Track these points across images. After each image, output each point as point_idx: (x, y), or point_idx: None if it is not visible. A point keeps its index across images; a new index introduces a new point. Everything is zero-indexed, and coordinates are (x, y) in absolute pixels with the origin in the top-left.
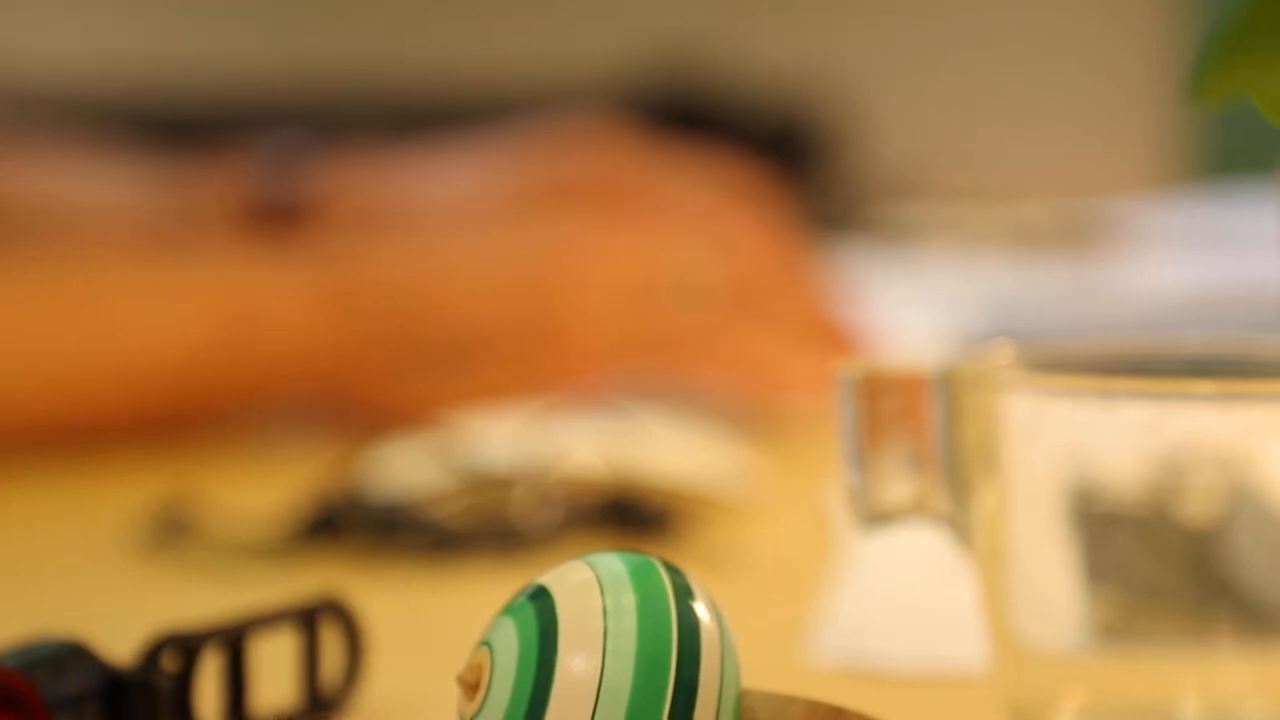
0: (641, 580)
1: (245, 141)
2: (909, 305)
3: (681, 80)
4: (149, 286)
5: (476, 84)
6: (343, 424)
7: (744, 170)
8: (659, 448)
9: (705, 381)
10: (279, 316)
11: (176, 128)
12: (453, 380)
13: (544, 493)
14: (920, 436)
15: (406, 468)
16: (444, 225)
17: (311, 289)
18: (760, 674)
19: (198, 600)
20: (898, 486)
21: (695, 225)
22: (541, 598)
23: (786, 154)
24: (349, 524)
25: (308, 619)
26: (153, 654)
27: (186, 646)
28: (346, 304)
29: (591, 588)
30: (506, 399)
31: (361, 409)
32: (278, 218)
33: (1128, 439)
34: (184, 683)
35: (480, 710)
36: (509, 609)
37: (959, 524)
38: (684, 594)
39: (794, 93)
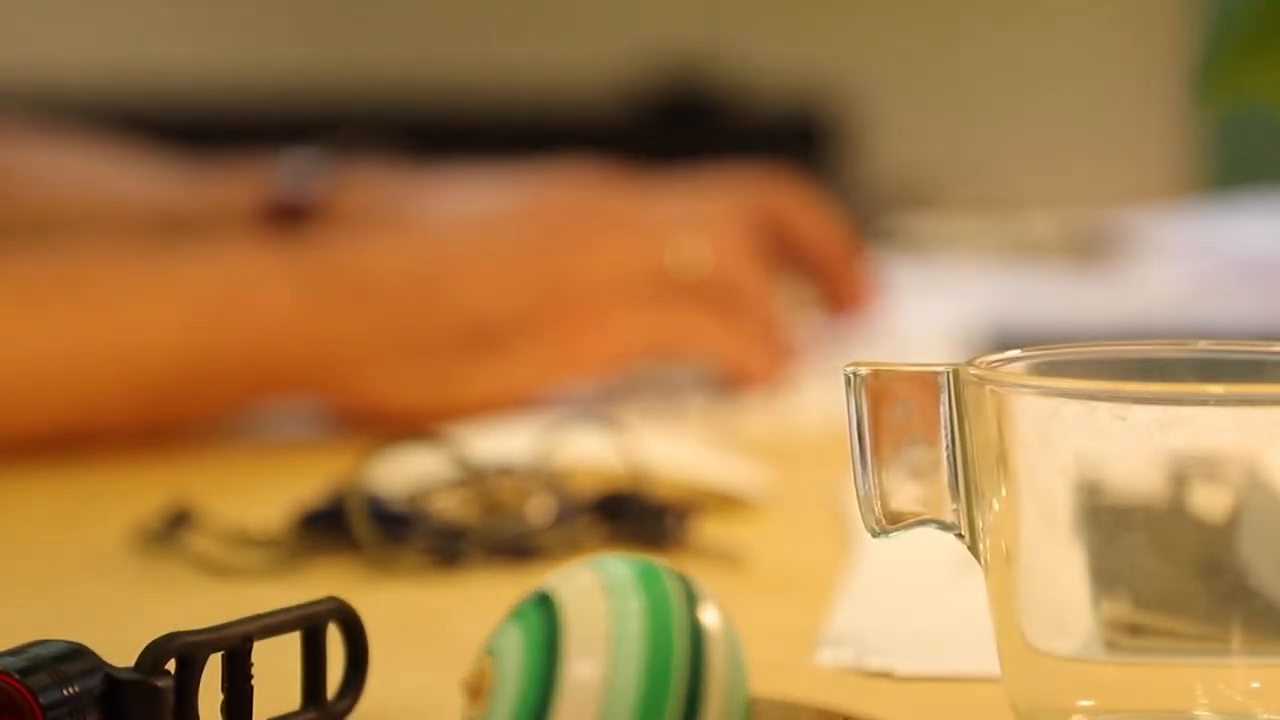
0: (648, 586)
1: (264, 156)
2: (917, 315)
3: (691, 90)
4: (145, 277)
5: (491, 89)
6: (348, 421)
7: (746, 185)
8: (668, 451)
9: (710, 359)
10: (281, 308)
11: (199, 137)
12: (480, 367)
13: (552, 489)
14: (929, 440)
15: (410, 464)
16: (447, 226)
17: (315, 279)
18: (770, 676)
19: (200, 603)
20: (907, 491)
21: (687, 223)
22: (547, 603)
23: (794, 163)
24: (352, 525)
25: (311, 623)
26: (154, 657)
27: (188, 650)
28: (351, 293)
29: (597, 593)
30: (535, 386)
31: (365, 405)
32: (290, 222)
33: (1138, 442)
34: (185, 687)
35: (486, 717)
36: (514, 614)
37: (968, 528)
38: (691, 600)
39: (802, 103)
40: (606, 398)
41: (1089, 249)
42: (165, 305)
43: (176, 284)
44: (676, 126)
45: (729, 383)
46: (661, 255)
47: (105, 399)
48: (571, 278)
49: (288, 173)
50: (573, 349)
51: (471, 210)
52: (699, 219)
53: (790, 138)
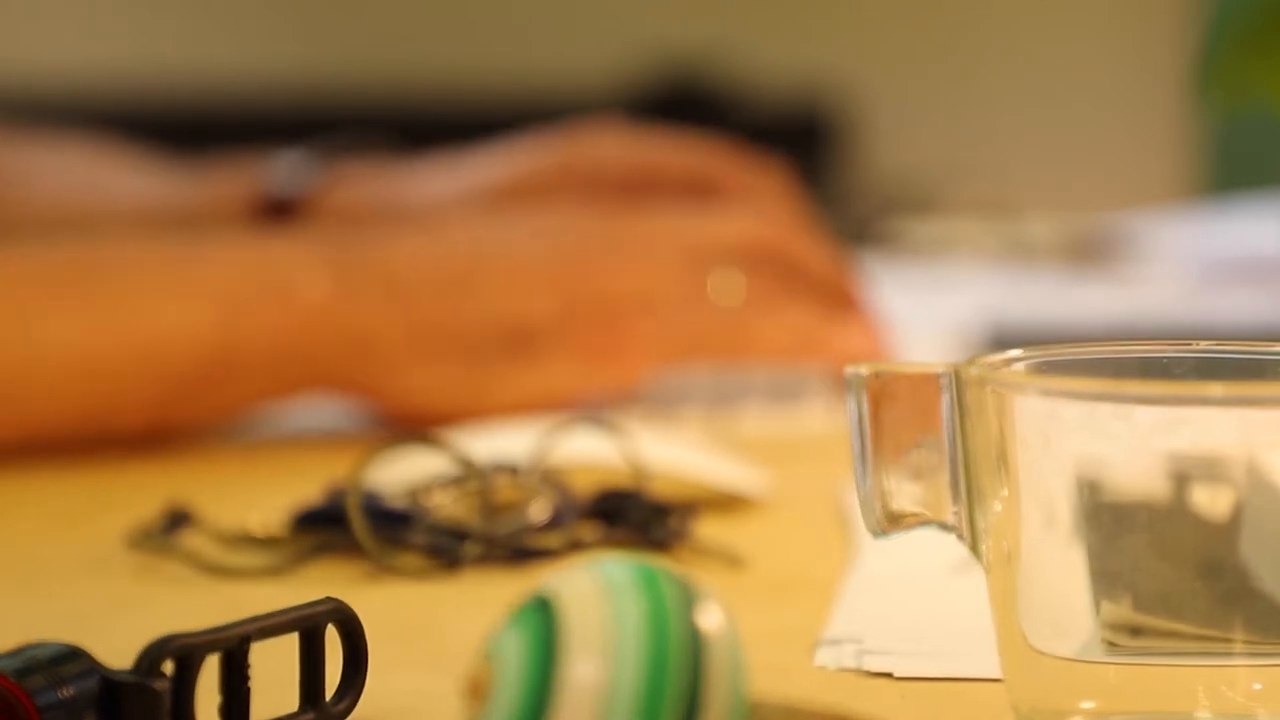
0: (648, 588)
1: (260, 154)
2: (916, 319)
3: (691, 91)
4: (168, 266)
5: (492, 89)
6: (378, 420)
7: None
8: (668, 451)
9: (757, 363)
10: (315, 299)
11: (192, 137)
12: (515, 371)
13: (552, 489)
14: (930, 441)
15: (410, 464)
16: (454, 215)
17: (348, 272)
18: (770, 677)
19: (198, 604)
20: (908, 492)
21: (709, 207)
22: (547, 605)
23: (794, 165)
24: (351, 525)
25: (309, 624)
26: (151, 659)
27: (185, 651)
28: (385, 289)
29: (597, 596)
30: (570, 392)
31: (397, 406)
32: (280, 217)
33: (1139, 443)
34: (182, 688)
35: (484, 719)
36: (513, 616)
37: (969, 529)
38: (691, 603)
39: (802, 105)
40: (615, 403)
41: (1088, 252)
42: (194, 297)
43: (206, 275)
44: (676, 128)
45: (829, 371)
46: (696, 265)
47: (128, 390)
48: (607, 286)
49: (279, 169)
50: (605, 358)
51: (473, 185)
52: (735, 227)
53: (790, 139)
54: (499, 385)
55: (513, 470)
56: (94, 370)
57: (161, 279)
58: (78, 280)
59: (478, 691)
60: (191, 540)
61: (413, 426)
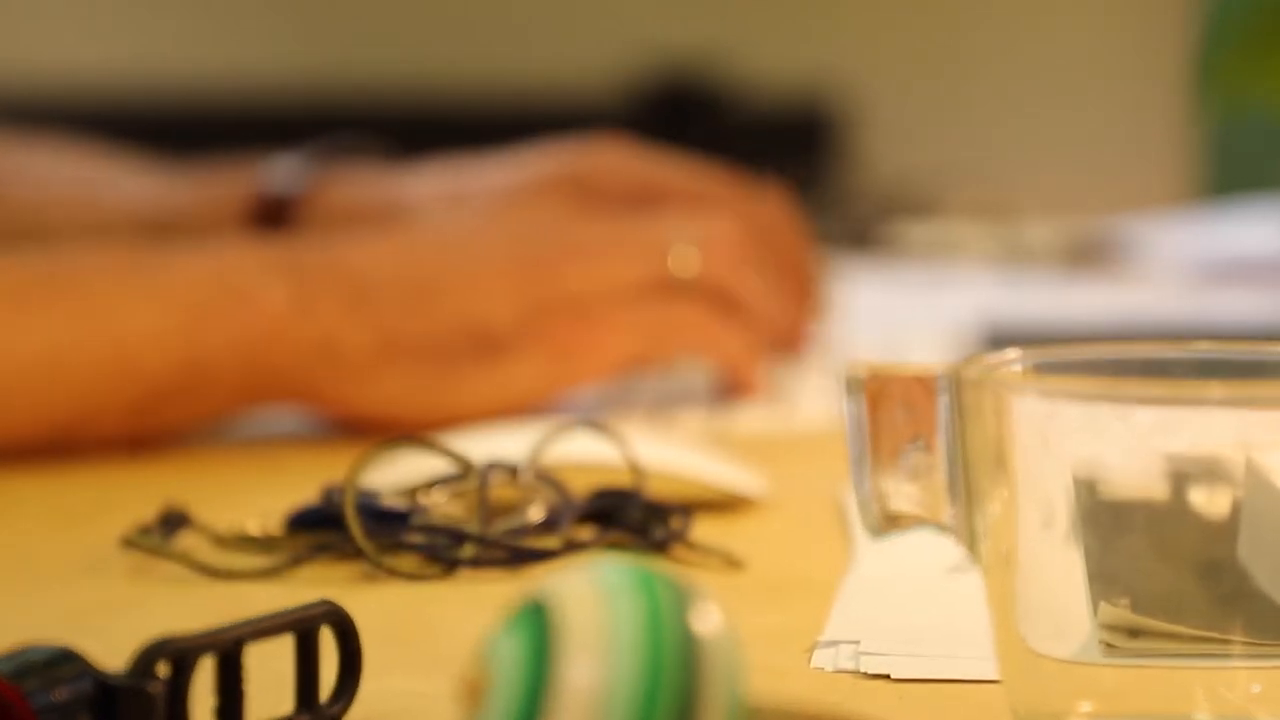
0: (644, 591)
1: (257, 156)
2: (914, 321)
3: (689, 93)
4: (138, 277)
5: (491, 90)
6: (344, 428)
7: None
8: (665, 453)
9: (715, 362)
10: (277, 308)
11: (187, 139)
12: (479, 374)
13: (549, 491)
14: (928, 442)
15: (406, 466)
16: (437, 218)
17: (311, 280)
18: (768, 678)
19: (193, 606)
20: (905, 493)
21: (681, 217)
22: (542, 608)
23: (792, 167)
24: (347, 527)
25: (304, 626)
26: (146, 661)
27: (180, 654)
28: (348, 296)
29: (593, 598)
30: (534, 394)
31: (360, 414)
32: (275, 218)
33: (1138, 443)
34: (177, 691)
35: None
36: (509, 618)
37: (967, 530)
38: (688, 605)
39: (801, 106)
40: (607, 404)
41: (1087, 255)
42: (159, 306)
43: (170, 284)
44: (675, 130)
45: (723, 387)
46: (660, 264)
47: (99, 402)
48: (569, 287)
49: (276, 172)
50: (571, 357)
51: (465, 190)
52: (696, 230)
53: (789, 140)
54: (468, 389)
55: (509, 471)
56: (66, 379)
57: (128, 287)
58: (47, 290)
59: (473, 694)
60: (187, 541)
61: (383, 435)
